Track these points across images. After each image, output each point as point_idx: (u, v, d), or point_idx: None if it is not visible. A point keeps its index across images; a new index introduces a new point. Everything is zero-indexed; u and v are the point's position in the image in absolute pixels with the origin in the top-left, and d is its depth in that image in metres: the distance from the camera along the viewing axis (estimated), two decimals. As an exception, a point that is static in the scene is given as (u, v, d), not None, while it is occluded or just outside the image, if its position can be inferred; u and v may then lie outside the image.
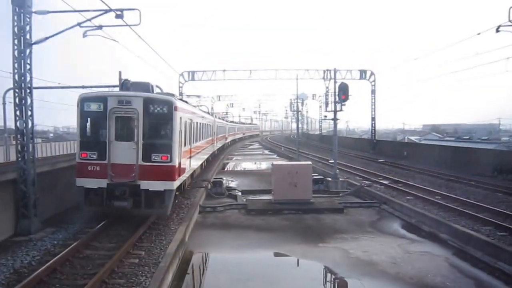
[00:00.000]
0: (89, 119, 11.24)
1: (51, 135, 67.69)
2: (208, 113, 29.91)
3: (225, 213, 14.69)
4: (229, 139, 46.53)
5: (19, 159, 10.82)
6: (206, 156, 21.97)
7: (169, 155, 11.06)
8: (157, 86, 13.45)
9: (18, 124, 10.79)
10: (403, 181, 19.44)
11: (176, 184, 11.52)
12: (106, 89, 23.62)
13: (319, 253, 10.49)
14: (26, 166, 10.70)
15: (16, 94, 10.82)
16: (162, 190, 10.93)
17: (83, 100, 11.05)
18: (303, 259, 10.36)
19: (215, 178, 19.22)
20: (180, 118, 11.98)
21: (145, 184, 10.76)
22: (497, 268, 8.92)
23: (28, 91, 10.85)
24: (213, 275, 9.73)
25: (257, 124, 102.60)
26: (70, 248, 8.79)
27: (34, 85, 11.30)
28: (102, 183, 10.67)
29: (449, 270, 9.15)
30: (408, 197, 15.68)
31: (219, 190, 17.62)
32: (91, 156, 10.87)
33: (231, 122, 55.53)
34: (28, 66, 10.83)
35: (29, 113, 10.92)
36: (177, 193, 12.42)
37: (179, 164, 11.84)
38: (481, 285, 8.65)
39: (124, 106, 10.92)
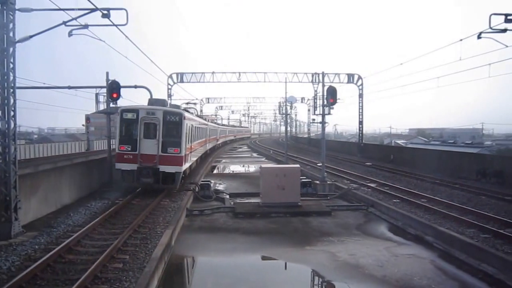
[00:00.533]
0: (125, 124, 15.75)
1: (35, 136, 66.40)
2: (200, 116, 32.93)
3: (212, 216, 14.58)
4: (220, 141, 48.42)
5: (0, 160, 10.52)
6: (200, 154, 26.17)
7: (179, 149, 15.78)
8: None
9: (-1, 124, 10.50)
10: (390, 184, 19.61)
11: (183, 168, 16.33)
12: (94, 90, 27.21)
13: (307, 256, 10.47)
14: (7, 168, 10.42)
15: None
16: (174, 172, 15.66)
17: (123, 111, 15.87)
18: (290, 263, 10.31)
19: (202, 181, 19.06)
20: (186, 124, 16.58)
21: (163, 168, 15.46)
22: (480, 270, 9.02)
23: (11, 90, 10.56)
24: (200, 279, 9.63)
25: (248, 127, 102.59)
26: (51, 253, 8.52)
27: (17, 84, 11.01)
28: (134, 166, 15.30)
29: (435, 272, 9.23)
30: (395, 200, 15.81)
31: (207, 193, 17.47)
32: (127, 148, 15.42)
33: (222, 125, 56.58)
34: (11, 65, 10.53)
35: (12, 113, 10.63)
36: (182, 175, 16.72)
37: (185, 155, 16.55)
38: (466, 287, 8.75)
39: (150, 115, 15.66)
